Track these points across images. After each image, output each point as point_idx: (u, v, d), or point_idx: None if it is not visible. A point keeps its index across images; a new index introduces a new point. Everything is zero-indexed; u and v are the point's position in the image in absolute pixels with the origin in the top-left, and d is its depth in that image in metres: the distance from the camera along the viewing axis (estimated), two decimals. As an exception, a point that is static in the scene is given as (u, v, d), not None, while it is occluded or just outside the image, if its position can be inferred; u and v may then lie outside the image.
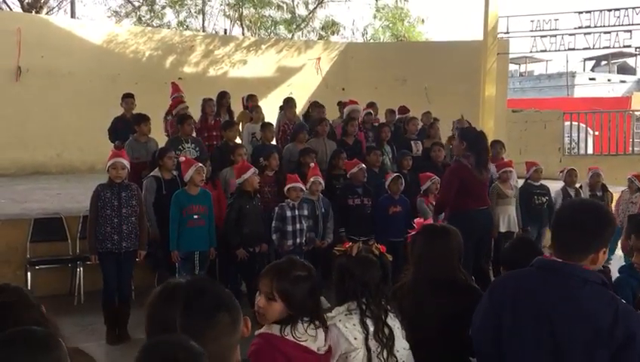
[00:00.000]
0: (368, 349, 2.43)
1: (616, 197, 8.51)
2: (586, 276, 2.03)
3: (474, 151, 5.68)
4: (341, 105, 9.69)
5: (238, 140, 7.85)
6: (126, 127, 7.67)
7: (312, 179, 6.47)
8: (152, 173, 6.35)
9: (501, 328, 2.13)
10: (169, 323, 1.48)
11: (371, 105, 9.63)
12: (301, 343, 2.22)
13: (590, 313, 1.97)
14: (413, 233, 2.83)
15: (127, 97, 8.36)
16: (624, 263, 4.00)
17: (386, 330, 2.47)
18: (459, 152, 5.89)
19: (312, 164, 6.73)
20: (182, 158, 6.14)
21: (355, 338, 2.42)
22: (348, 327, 2.43)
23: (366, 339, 2.42)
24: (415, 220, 2.90)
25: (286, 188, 6.27)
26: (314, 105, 9.48)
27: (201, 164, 5.96)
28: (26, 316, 1.70)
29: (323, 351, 2.31)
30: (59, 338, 1.48)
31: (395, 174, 7.07)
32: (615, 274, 3.52)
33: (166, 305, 1.52)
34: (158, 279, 6.08)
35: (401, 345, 2.51)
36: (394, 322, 2.52)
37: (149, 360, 1.33)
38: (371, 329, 2.45)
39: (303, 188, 6.31)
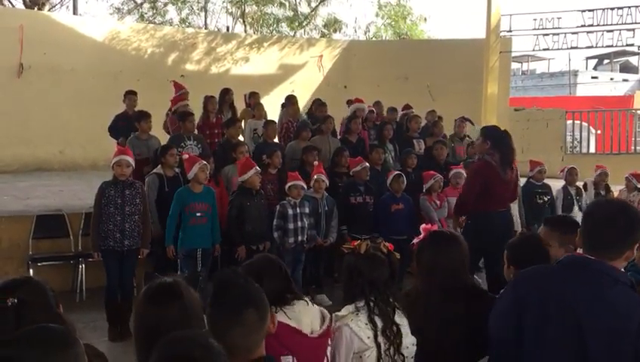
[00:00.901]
0: (378, 346, 2.44)
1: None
2: (617, 276, 2.05)
3: (497, 150, 5.50)
4: (350, 103, 9.64)
5: (240, 138, 7.84)
6: (127, 125, 7.67)
7: (315, 177, 6.46)
8: (154, 171, 6.34)
9: (522, 327, 2.11)
10: (153, 322, 1.46)
11: (376, 103, 9.60)
12: (289, 323, 2.22)
13: (620, 313, 1.99)
14: (418, 240, 2.75)
15: (130, 94, 8.37)
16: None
17: (394, 328, 2.47)
18: (482, 152, 5.68)
19: (317, 162, 6.72)
20: (185, 156, 6.12)
21: (368, 337, 2.43)
22: (360, 326, 2.44)
23: (375, 336, 2.43)
24: (422, 226, 2.81)
25: (287, 186, 6.25)
26: (317, 103, 9.46)
27: (205, 162, 5.93)
28: (42, 316, 1.69)
29: (317, 335, 2.31)
30: (76, 336, 1.48)
31: (397, 172, 7.05)
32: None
33: (149, 304, 1.51)
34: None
35: (410, 341, 2.51)
36: (401, 319, 2.52)
37: (164, 357, 1.31)
38: (380, 325, 2.45)
39: (304, 186, 6.30)
